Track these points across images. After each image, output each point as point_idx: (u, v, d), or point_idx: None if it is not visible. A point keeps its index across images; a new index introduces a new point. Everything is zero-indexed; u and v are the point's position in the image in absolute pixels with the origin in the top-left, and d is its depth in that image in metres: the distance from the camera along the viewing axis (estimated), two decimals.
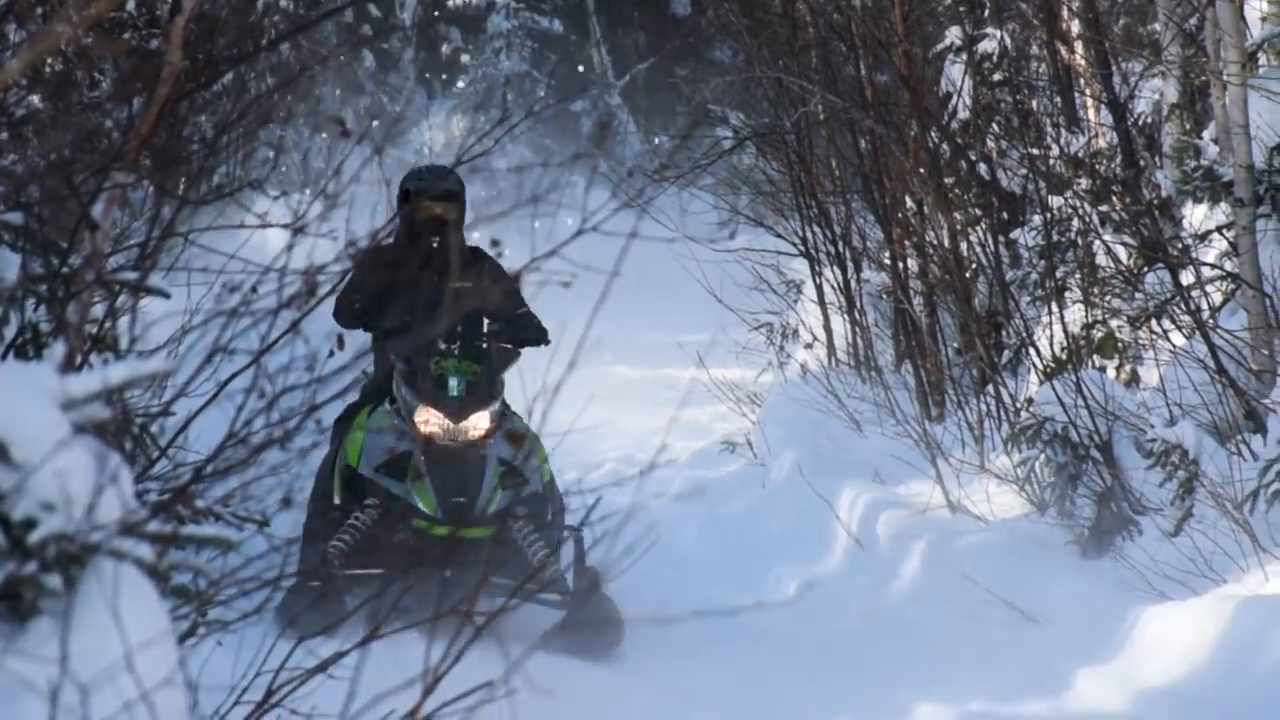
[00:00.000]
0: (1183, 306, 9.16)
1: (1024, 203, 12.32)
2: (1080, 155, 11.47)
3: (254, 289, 3.42)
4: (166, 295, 4.04)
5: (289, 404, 3.34)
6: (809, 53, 14.28)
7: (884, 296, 14.05)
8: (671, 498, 12.48)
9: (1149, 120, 11.70)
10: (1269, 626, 6.61)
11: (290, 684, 3.66)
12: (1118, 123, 11.08)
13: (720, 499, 12.35)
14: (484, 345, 8.59)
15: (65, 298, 3.97)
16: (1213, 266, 9.28)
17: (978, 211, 12.31)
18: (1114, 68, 11.23)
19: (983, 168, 12.49)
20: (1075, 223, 11.03)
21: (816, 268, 14.74)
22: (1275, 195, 8.61)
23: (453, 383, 8.43)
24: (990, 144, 12.64)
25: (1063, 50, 12.10)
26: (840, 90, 13.70)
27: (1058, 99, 12.33)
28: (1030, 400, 10.18)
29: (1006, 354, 11.96)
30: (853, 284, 14.25)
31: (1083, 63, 11.98)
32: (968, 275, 12.06)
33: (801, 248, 14.86)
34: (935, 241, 12.27)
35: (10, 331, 4.08)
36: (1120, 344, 10.72)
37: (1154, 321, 9.97)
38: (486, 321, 8.77)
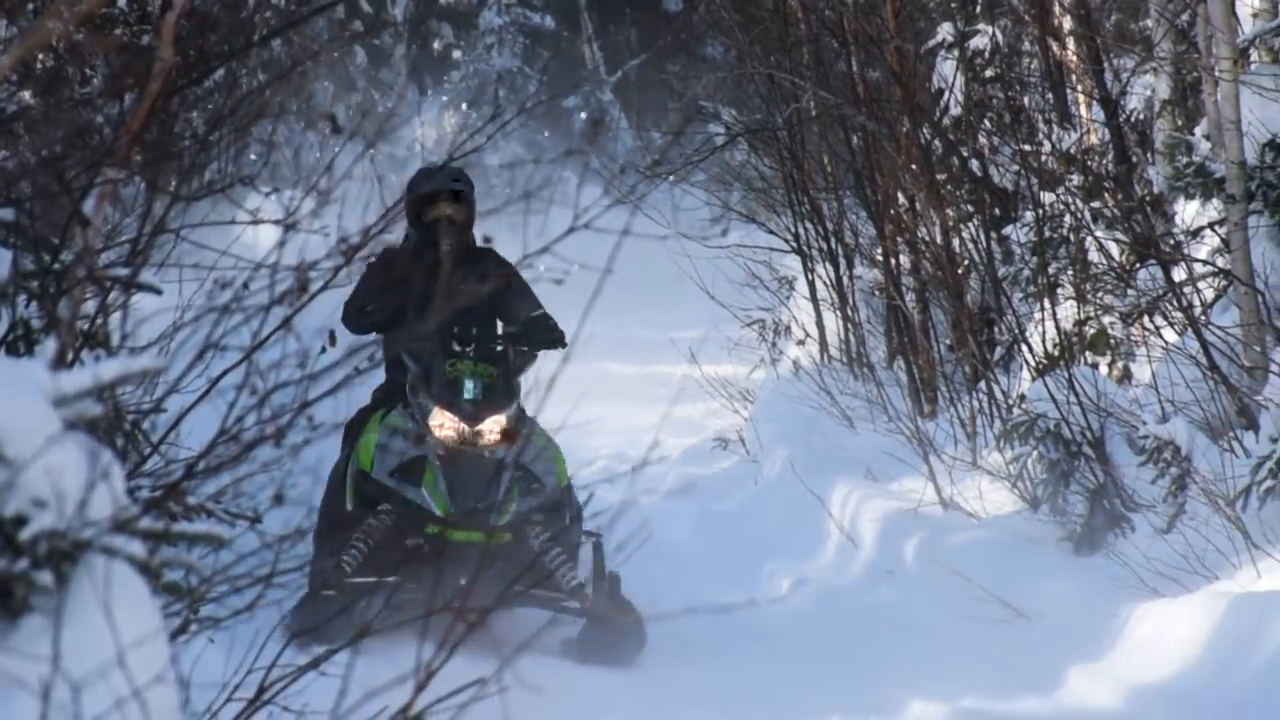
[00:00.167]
0: (1175, 303, 9.16)
1: (1016, 199, 12.33)
2: (1072, 151, 11.47)
3: (245, 285, 3.42)
4: (158, 291, 4.03)
5: (281, 400, 3.33)
6: (801, 49, 14.27)
7: (876, 293, 14.06)
8: (663, 494, 12.49)
9: (1141, 116, 11.70)
10: (1261, 623, 6.62)
11: (282, 681, 3.65)
12: (1110, 119, 11.08)
13: (712, 496, 12.35)
14: (498, 348, 8.42)
15: (57, 294, 3.97)
16: (1205, 263, 9.29)
17: (970, 208, 12.32)
18: (1106, 64, 11.23)
19: (975, 164, 12.49)
20: (1067, 219, 11.03)
21: (809, 264, 14.74)
22: (1267, 191, 8.61)
23: (468, 385, 8.24)
24: (982, 140, 12.65)
25: (1055, 46, 12.10)
26: (832, 86, 13.70)
27: (1050, 95, 12.34)
28: (1022, 397, 10.19)
29: (999, 350, 11.97)
30: (845, 280, 14.25)
31: (1075, 59, 11.98)
32: (960, 271, 12.06)
33: (794, 244, 14.86)
34: (927, 238, 12.27)
35: (1, 328, 4.08)
36: (1112, 340, 10.73)
37: (1146, 318, 9.97)
38: (500, 324, 8.62)
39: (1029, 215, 11.38)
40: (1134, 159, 11.23)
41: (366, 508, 8.03)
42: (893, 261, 12.88)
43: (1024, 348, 10.75)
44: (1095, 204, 10.87)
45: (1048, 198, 11.13)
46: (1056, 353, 10.31)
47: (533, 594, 7.93)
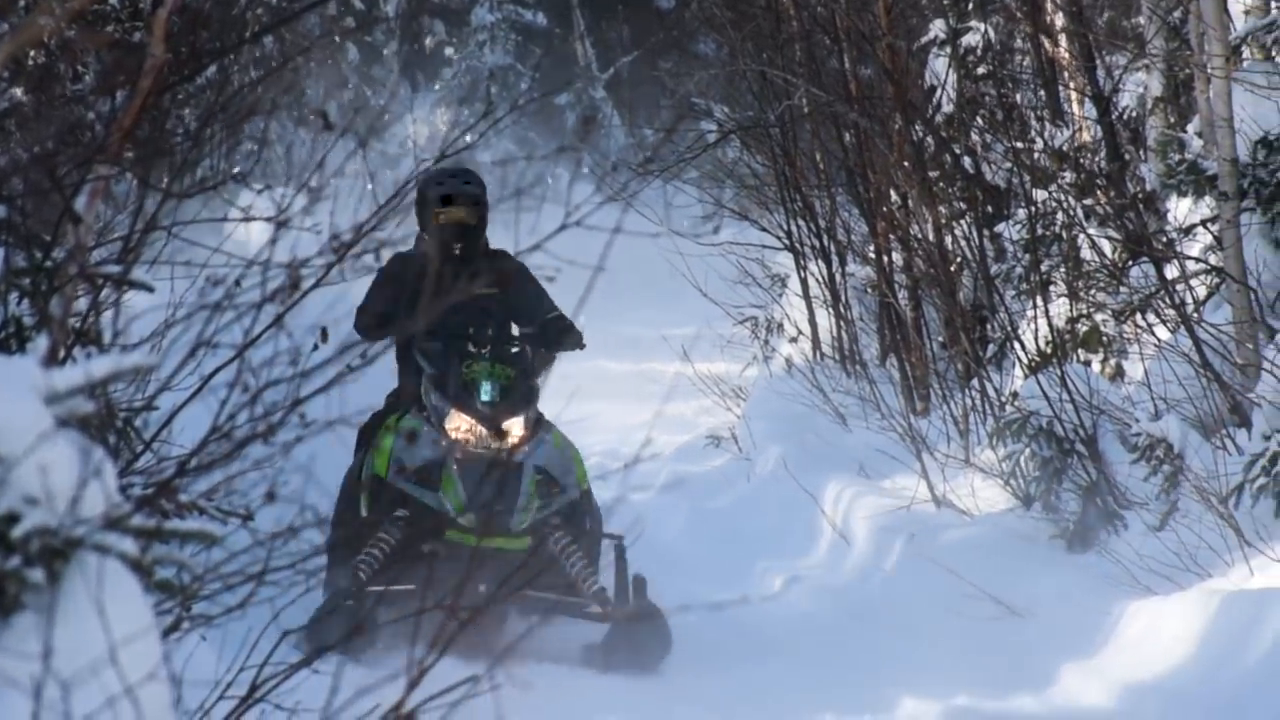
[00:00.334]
0: (1167, 300, 9.17)
1: (1008, 196, 12.34)
2: (1065, 149, 11.48)
3: (237, 283, 3.41)
4: (150, 289, 4.03)
5: (273, 398, 3.33)
6: (793, 46, 14.26)
7: (869, 290, 14.06)
8: (656, 492, 12.48)
9: (1133, 114, 11.71)
10: (1254, 621, 6.62)
11: (275, 679, 3.64)
12: (1102, 116, 11.09)
13: (705, 493, 12.35)
14: (515, 349, 8.25)
15: (48, 291, 3.96)
16: (1197, 260, 9.29)
17: (962, 205, 12.32)
18: (1098, 61, 11.24)
19: (967, 161, 12.50)
20: (1060, 216, 11.03)
21: (801, 261, 14.73)
22: (1259, 189, 8.61)
23: (485, 387, 8.03)
24: (975, 138, 12.65)
25: (1047, 44, 12.11)
26: (824, 84, 13.70)
27: (1042, 92, 12.35)
28: (1015, 394, 10.19)
29: (991, 348, 11.97)
30: (837, 278, 14.24)
31: (1067, 56, 11.99)
32: (952, 269, 12.07)
33: (786, 241, 14.84)
34: (920, 235, 12.28)
35: None
36: (1105, 338, 10.73)
37: (1139, 315, 9.98)
38: (515, 326, 8.46)
39: (1021, 213, 11.39)
40: (1126, 156, 11.24)
41: (382, 514, 7.83)
42: (885, 259, 12.88)
43: (1016, 345, 10.75)
44: (1088, 201, 10.87)
45: (1040, 195, 11.13)
46: (1049, 350, 10.31)
47: (553, 599, 7.85)
